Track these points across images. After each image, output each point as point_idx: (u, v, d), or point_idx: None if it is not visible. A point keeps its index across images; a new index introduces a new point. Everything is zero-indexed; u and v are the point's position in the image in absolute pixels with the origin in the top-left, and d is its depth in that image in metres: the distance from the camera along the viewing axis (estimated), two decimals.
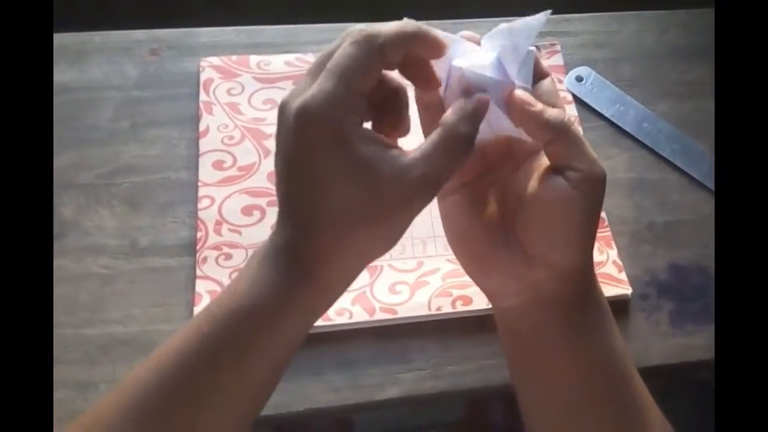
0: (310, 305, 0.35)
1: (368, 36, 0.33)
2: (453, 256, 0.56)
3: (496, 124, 0.37)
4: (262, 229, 0.56)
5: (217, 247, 0.55)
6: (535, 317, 0.38)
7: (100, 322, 0.52)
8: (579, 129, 0.37)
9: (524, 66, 0.37)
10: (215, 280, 0.54)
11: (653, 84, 0.68)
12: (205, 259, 0.54)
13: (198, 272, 0.54)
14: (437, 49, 0.35)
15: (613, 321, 0.39)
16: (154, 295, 0.54)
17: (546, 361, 0.39)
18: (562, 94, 0.65)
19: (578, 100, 0.66)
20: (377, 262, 0.56)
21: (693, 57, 0.70)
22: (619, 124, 0.65)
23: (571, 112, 0.64)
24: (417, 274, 0.55)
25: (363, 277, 0.55)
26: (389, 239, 0.35)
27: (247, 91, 0.63)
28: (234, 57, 0.65)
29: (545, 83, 0.38)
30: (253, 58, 0.65)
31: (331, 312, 0.53)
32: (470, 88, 0.36)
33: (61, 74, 0.63)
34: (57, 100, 0.61)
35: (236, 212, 0.57)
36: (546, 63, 0.67)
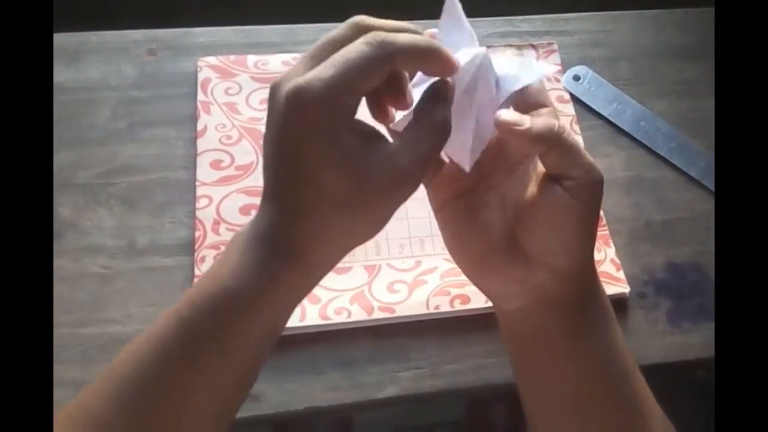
0: (293, 288, 0.35)
1: (383, 42, 0.32)
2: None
3: (484, 130, 0.37)
4: None
5: (215, 247, 0.55)
6: (537, 319, 0.38)
7: (99, 321, 0.52)
8: (572, 133, 0.36)
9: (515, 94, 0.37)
10: None
11: (650, 83, 0.68)
12: (203, 259, 0.54)
13: (196, 272, 0.54)
14: (449, 68, 0.35)
15: (615, 321, 0.40)
16: (153, 295, 0.54)
17: (548, 362, 0.39)
18: (560, 93, 0.65)
19: (575, 99, 0.66)
20: (375, 262, 0.56)
21: (690, 56, 0.70)
22: (617, 122, 0.65)
23: (569, 111, 0.65)
24: (415, 273, 0.55)
25: (361, 277, 0.55)
26: (375, 224, 0.35)
27: (245, 90, 0.63)
28: (231, 57, 0.65)
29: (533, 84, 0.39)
30: (251, 58, 0.65)
31: (330, 311, 0.53)
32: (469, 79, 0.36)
33: (59, 74, 0.63)
34: (55, 100, 0.61)
35: (234, 212, 0.57)
36: (543, 62, 0.67)
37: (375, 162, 0.33)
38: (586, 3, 0.72)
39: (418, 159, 0.34)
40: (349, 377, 0.52)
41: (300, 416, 0.51)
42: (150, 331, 0.35)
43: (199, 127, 0.61)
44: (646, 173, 0.63)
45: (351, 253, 0.55)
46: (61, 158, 0.59)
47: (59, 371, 0.50)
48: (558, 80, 0.66)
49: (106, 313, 0.53)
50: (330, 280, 0.54)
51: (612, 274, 0.56)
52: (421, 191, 0.58)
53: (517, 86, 0.36)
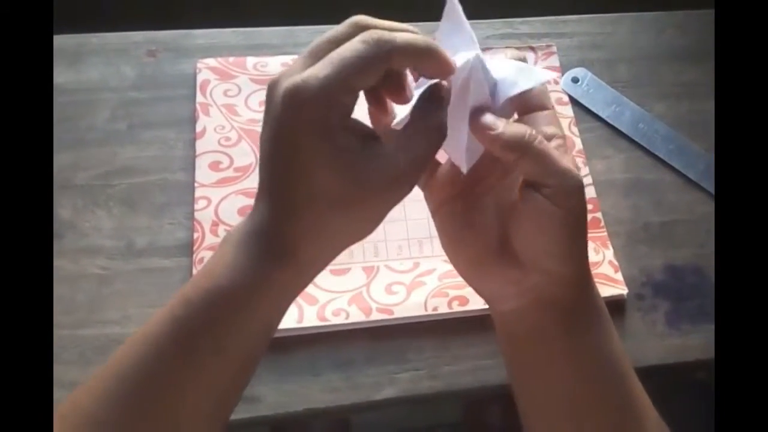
0: (287, 285, 0.35)
1: (380, 40, 0.32)
2: None
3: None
4: None
5: (213, 248, 0.55)
6: (532, 320, 0.38)
7: (97, 322, 0.53)
8: (543, 141, 0.35)
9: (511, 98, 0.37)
10: None
11: (649, 85, 0.68)
12: (201, 260, 0.54)
13: (194, 273, 0.54)
14: (446, 69, 0.35)
15: (610, 323, 0.40)
16: (151, 296, 0.54)
17: (542, 363, 0.39)
18: (559, 95, 0.65)
19: (574, 102, 0.66)
20: (374, 263, 0.56)
21: (689, 58, 0.70)
22: (615, 125, 0.65)
23: (567, 113, 0.65)
24: (413, 275, 0.55)
25: (360, 278, 0.55)
26: (369, 224, 0.36)
27: (244, 92, 0.63)
28: (231, 58, 0.65)
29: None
30: (250, 60, 0.65)
31: (328, 312, 0.53)
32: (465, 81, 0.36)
33: (59, 75, 0.63)
34: (54, 101, 0.61)
35: (233, 213, 0.57)
36: (542, 64, 0.67)
37: (370, 162, 0.33)
38: (585, 5, 0.72)
39: (412, 160, 0.34)
40: (347, 378, 0.52)
41: (298, 417, 0.51)
42: (144, 329, 0.35)
43: (198, 128, 0.61)
44: (644, 175, 0.63)
45: (349, 254, 0.56)
46: (60, 159, 0.59)
47: (58, 372, 0.50)
48: (557, 82, 0.66)
49: (105, 315, 0.53)
50: (328, 281, 0.54)
51: (610, 276, 0.56)
52: (420, 193, 0.59)
53: (515, 91, 0.36)
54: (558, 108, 0.64)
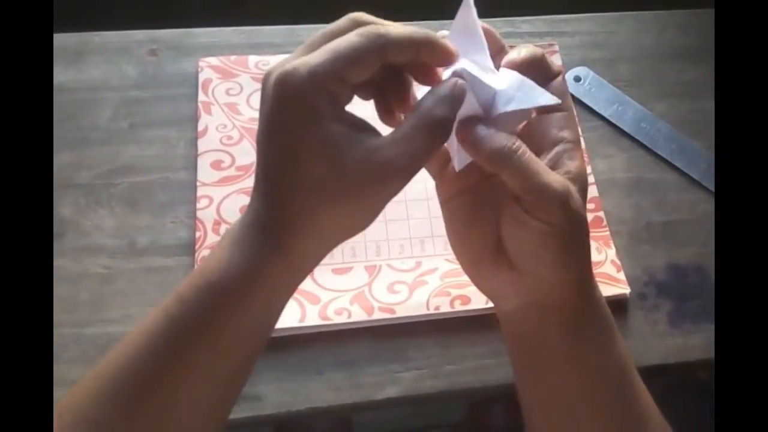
0: (280, 279, 0.35)
1: (375, 33, 0.32)
2: (451, 256, 0.56)
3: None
4: None
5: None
6: (533, 321, 0.38)
7: (99, 321, 0.53)
8: (527, 152, 0.34)
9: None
10: None
11: (651, 84, 0.68)
12: (203, 259, 0.54)
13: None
14: (445, 57, 0.35)
15: (613, 325, 0.39)
16: (153, 295, 0.54)
17: (544, 363, 0.39)
18: None
19: (576, 101, 0.66)
20: (376, 262, 0.56)
21: (691, 57, 0.70)
22: (618, 124, 0.65)
23: None
24: (415, 274, 0.55)
25: (362, 277, 0.55)
26: (360, 219, 0.35)
27: (246, 91, 0.63)
28: (233, 57, 0.65)
29: (555, 83, 0.38)
30: (252, 59, 0.65)
31: (330, 312, 0.53)
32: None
33: (60, 74, 0.63)
34: (56, 100, 0.61)
35: (235, 212, 0.57)
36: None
37: (359, 152, 0.32)
38: (587, 4, 0.72)
39: (408, 155, 0.33)
40: (350, 378, 0.52)
41: (300, 417, 0.51)
42: (139, 328, 0.35)
43: (200, 127, 0.61)
44: (646, 174, 0.63)
45: (351, 253, 0.56)
46: (62, 158, 0.59)
47: (60, 371, 0.50)
48: None
49: (107, 313, 0.53)
50: (330, 280, 0.54)
51: (612, 275, 0.56)
52: (423, 192, 0.59)
53: (509, 108, 0.35)
54: None
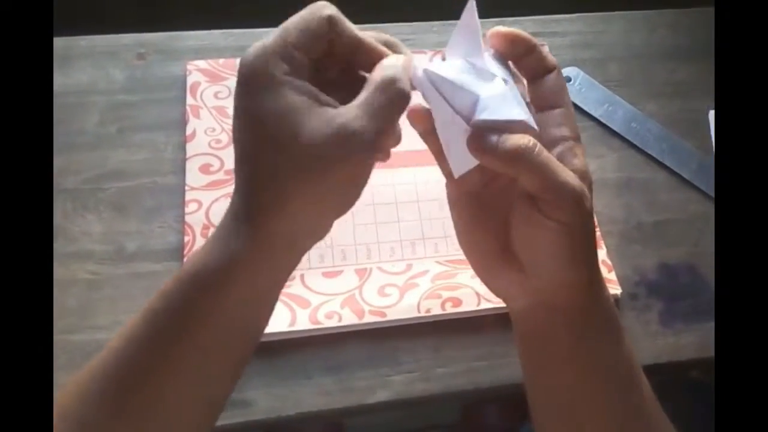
0: (256, 267, 0.34)
1: (321, 3, 0.35)
2: (442, 258, 0.56)
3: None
4: None
5: None
6: (540, 321, 0.38)
7: (87, 328, 0.52)
8: (543, 150, 0.34)
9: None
10: None
11: (641, 84, 0.68)
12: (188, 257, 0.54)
13: None
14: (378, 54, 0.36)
15: (620, 329, 0.39)
16: (142, 301, 0.51)
17: (550, 363, 0.39)
18: None
19: None
20: (366, 265, 0.55)
21: (681, 56, 0.70)
22: (608, 124, 0.65)
23: None
24: (406, 277, 0.55)
25: (352, 280, 0.55)
26: (332, 199, 0.35)
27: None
28: (221, 60, 0.65)
29: (550, 78, 0.37)
30: None
31: (321, 315, 0.52)
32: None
33: None
34: None
35: None
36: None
37: (320, 118, 0.33)
38: (577, 4, 0.72)
39: (363, 115, 0.33)
40: (340, 382, 0.51)
41: (291, 422, 0.51)
42: (124, 327, 0.35)
43: (189, 131, 0.60)
44: (637, 174, 0.63)
45: (342, 256, 0.56)
46: None
47: None
48: None
49: (95, 320, 0.52)
50: (320, 284, 0.54)
51: (603, 276, 0.56)
52: (413, 194, 0.59)
53: (483, 116, 0.34)
54: None
